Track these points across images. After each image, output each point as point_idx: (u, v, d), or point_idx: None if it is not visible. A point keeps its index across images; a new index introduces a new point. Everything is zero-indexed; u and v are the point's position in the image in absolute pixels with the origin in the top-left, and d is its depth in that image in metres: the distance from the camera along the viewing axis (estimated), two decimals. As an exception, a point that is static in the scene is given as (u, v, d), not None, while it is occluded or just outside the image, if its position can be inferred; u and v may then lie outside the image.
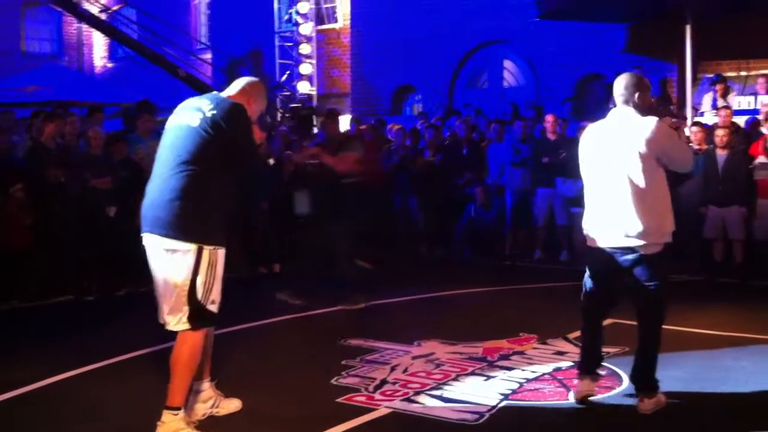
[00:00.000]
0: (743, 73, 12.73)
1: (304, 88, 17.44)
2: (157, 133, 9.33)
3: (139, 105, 10.04)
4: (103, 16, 18.15)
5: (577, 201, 9.93)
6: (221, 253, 4.09)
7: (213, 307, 4.08)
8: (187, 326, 4.02)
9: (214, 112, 4.03)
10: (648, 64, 12.75)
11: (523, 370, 5.30)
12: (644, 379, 4.52)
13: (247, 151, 4.14)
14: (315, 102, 17.27)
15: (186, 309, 3.99)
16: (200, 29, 21.11)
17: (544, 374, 5.21)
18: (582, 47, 13.89)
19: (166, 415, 4.00)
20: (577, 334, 6.11)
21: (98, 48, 22.95)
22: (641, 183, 4.43)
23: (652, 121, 4.50)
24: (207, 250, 4.00)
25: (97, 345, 6.06)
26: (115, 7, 19.82)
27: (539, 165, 10.39)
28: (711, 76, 11.91)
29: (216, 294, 4.07)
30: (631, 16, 12.71)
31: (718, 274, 8.78)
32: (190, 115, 4.09)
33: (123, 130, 10.03)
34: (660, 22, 12.08)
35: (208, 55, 19.23)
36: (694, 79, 11.28)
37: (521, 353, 5.71)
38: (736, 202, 8.82)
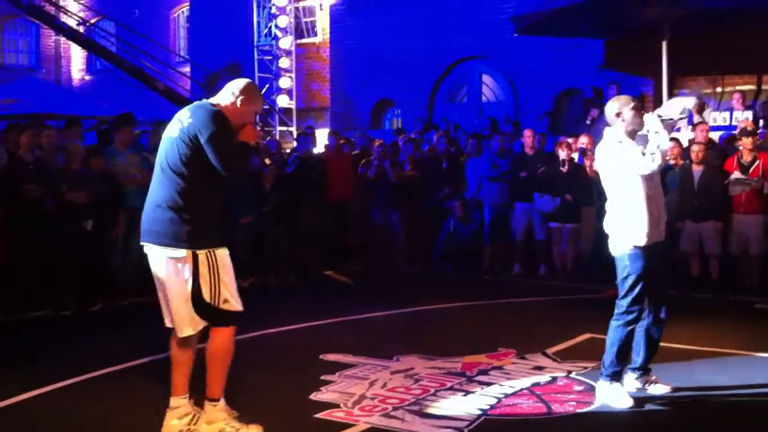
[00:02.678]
0: (719, 89, 12.89)
1: (283, 101, 17.44)
2: (135, 146, 9.37)
3: (119, 118, 9.99)
4: (81, 29, 18.09)
5: (555, 216, 10.05)
6: (220, 253, 4.18)
7: (228, 306, 4.18)
8: (193, 331, 4.16)
9: (191, 120, 4.14)
10: (625, 79, 12.89)
11: (502, 385, 5.30)
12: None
13: (221, 158, 4.08)
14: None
15: (193, 314, 4.12)
16: (179, 42, 21.08)
17: (522, 389, 5.21)
18: (559, 63, 14.00)
19: (207, 406, 4.25)
20: (556, 348, 6.18)
21: (76, 61, 22.85)
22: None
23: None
24: (202, 253, 4.10)
25: (74, 360, 6.01)
26: (93, 20, 19.78)
27: (517, 180, 10.44)
28: (687, 91, 12.04)
29: (227, 293, 4.17)
30: (608, 32, 12.84)
31: (694, 289, 8.85)
32: (173, 126, 4.23)
33: (98, 144, 9.97)
34: (636, 38, 12.21)
35: (186, 69, 19.18)
36: (670, 95, 11.38)
37: (500, 368, 5.71)
38: (712, 217, 8.91)
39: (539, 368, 5.72)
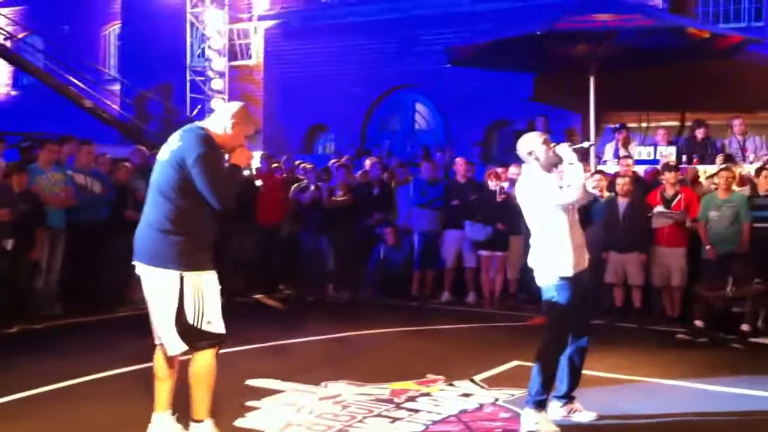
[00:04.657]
0: (644, 125, 13.28)
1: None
2: (59, 164, 9.13)
3: (59, 138, 9.71)
4: (8, 44, 17.66)
5: (486, 244, 10.15)
6: (207, 276, 4.25)
7: (210, 327, 4.22)
8: (183, 349, 4.23)
9: (180, 143, 4.20)
10: (553, 113, 13.18)
11: (429, 411, 5.29)
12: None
13: (207, 182, 4.10)
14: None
15: (176, 334, 4.19)
16: (109, 60, 20.73)
17: (449, 416, 5.21)
18: (490, 94, 14.25)
19: (192, 427, 4.29)
20: (484, 375, 6.20)
21: (2, 76, 22.25)
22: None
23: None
24: (189, 275, 4.17)
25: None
26: (21, 35, 19.33)
27: (449, 207, 10.52)
28: (614, 125, 12.36)
29: (211, 315, 4.22)
30: (537, 66, 13.12)
31: (617, 319, 9.03)
32: (164, 149, 4.29)
33: (22, 161, 9.68)
34: (565, 73, 12.50)
35: (116, 87, 18.89)
36: (598, 129, 11.67)
37: (428, 395, 5.70)
38: (636, 248, 9.11)
39: (467, 395, 5.73)
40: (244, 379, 5.94)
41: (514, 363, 6.62)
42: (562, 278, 4.92)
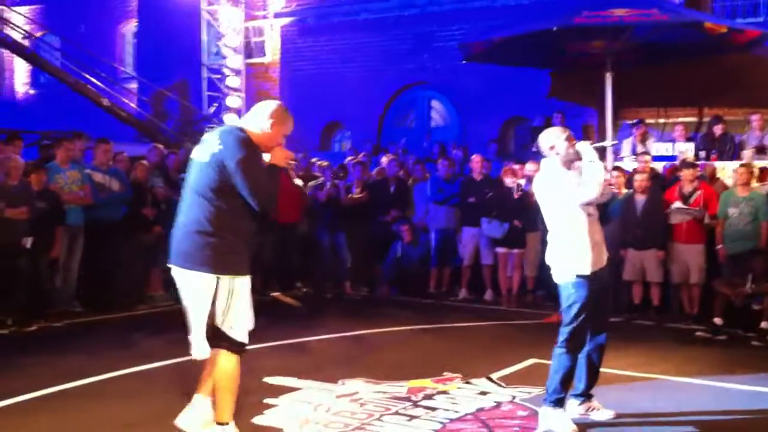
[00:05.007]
0: (662, 121, 13.19)
1: (231, 120, 17.31)
2: (77, 162, 9.19)
3: (68, 134, 9.79)
4: (26, 43, 17.78)
5: (503, 241, 10.13)
6: (240, 281, 4.21)
7: (232, 333, 4.22)
8: (207, 353, 4.22)
9: (221, 147, 4.14)
10: (570, 109, 13.10)
11: (446, 410, 5.29)
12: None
13: (249, 185, 4.08)
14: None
15: (204, 334, 4.19)
16: (126, 58, 20.82)
17: (467, 414, 5.21)
18: (506, 91, 14.20)
19: (216, 430, 4.27)
20: (501, 373, 6.20)
21: (20, 74, 22.39)
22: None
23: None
24: (225, 279, 4.16)
25: (7, 382, 5.81)
26: (39, 34, 19.44)
27: (465, 205, 10.51)
28: (631, 121, 12.29)
29: (235, 320, 4.21)
30: (554, 62, 13.06)
31: (635, 316, 9.00)
32: (202, 151, 4.25)
33: (40, 159, 9.76)
34: (581, 69, 12.44)
35: (133, 85, 18.96)
36: (615, 125, 11.62)
37: (445, 393, 5.70)
38: (654, 245, 9.07)
39: (484, 393, 5.73)
40: (262, 377, 5.96)
41: (532, 361, 6.61)
42: (580, 276, 4.90)
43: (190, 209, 4.23)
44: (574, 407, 5.12)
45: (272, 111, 4.31)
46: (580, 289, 4.89)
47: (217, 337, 4.23)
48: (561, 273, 4.99)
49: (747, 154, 10.27)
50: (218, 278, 4.16)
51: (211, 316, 4.20)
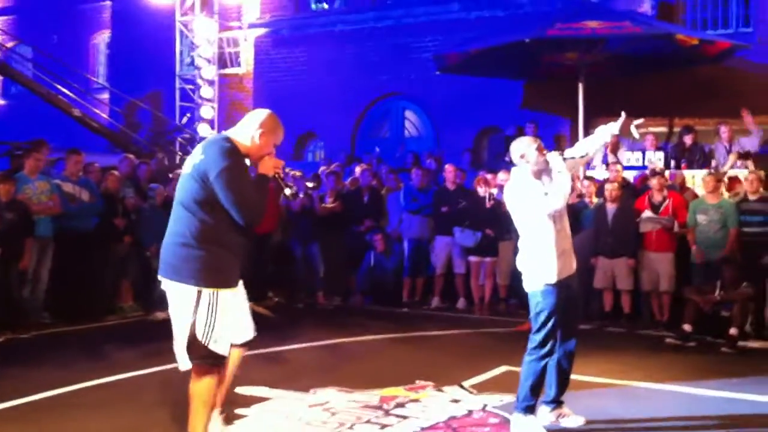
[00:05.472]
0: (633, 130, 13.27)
1: (204, 131, 17.23)
2: (46, 173, 9.11)
3: (31, 143, 9.71)
4: (-3, 53, 17.63)
5: (475, 250, 10.17)
6: (224, 294, 4.16)
7: (215, 347, 4.14)
8: (191, 364, 4.15)
9: (202, 157, 4.10)
10: (543, 119, 13.19)
11: (418, 418, 5.28)
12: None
13: (231, 196, 4.02)
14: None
15: (187, 347, 4.13)
16: (99, 69, 20.71)
17: (438, 422, 5.20)
18: (480, 101, 14.26)
19: None
20: (473, 381, 6.20)
21: (-10, 84, 22.19)
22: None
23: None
24: (206, 292, 4.10)
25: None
26: (10, 44, 19.29)
27: (438, 214, 10.53)
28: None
29: (219, 333, 4.14)
30: (527, 73, 13.16)
31: (606, 323, 9.05)
32: (188, 162, 4.22)
33: (10, 170, 9.67)
34: (555, 79, 12.54)
35: (105, 96, 18.85)
36: (586, 135, 11.69)
37: (417, 401, 5.70)
38: (625, 253, 9.15)
39: (456, 401, 5.72)
40: (233, 387, 5.91)
41: (504, 368, 6.63)
42: (548, 284, 4.93)
43: (174, 222, 4.19)
44: (545, 414, 5.14)
45: (261, 120, 4.26)
46: (548, 296, 4.92)
47: (198, 353, 4.13)
48: (529, 281, 5.02)
49: (730, 158, 10.41)
50: (200, 291, 4.10)
51: (193, 328, 4.11)
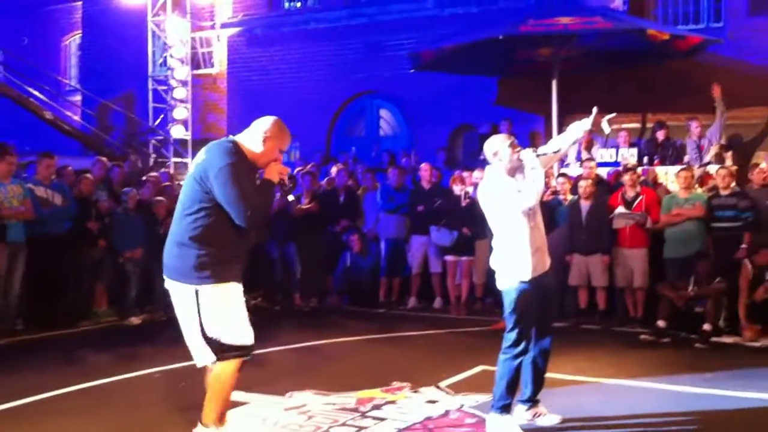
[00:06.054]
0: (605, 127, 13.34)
1: (178, 132, 17.14)
2: (18, 177, 8.99)
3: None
4: (-35, 55, 17.41)
5: (451, 249, 10.17)
6: (225, 287, 4.20)
7: (232, 339, 4.22)
8: (210, 360, 4.23)
9: (204, 157, 4.17)
10: (517, 116, 13.24)
11: (395, 419, 5.28)
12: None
13: (228, 194, 4.05)
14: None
15: (203, 345, 4.20)
16: (70, 71, 20.52)
17: (415, 423, 5.20)
18: (455, 99, 14.29)
19: (198, 428, 4.33)
20: (449, 381, 6.21)
21: (-41, 87, 21.88)
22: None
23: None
24: (204, 289, 4.15)
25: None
26: (-21, 46, 19.04)
27: (414, 213, 10.53)
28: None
29: (231, 326, 4.22)
30: (501, 70, 13.19)
31: (581, 320, 9.10)
32: (192, 164, 4.33)
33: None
34: (528, 76, 12.58)
35: (77, 98, 18.68)
36: (560, 132, 11.74)
37: (393, 402, 5.69)
38: (599, 250, 9.19)
39: (432, 401, 5.72)
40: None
41: (480, 368, 6.64)
42: (522, 282, 4.94)
43: (175, 222, 4.27)
44: (521, 413, 5.15)
45: (267, 127, 4.31)
46: (522, 294, 4.93)
47: (219, 349, 4.21)
48: (503, 279, 5.03)
49: (713, 150, 10.50)
50: (197, 289, 4.16)
51: (202, 328, 4.18)
